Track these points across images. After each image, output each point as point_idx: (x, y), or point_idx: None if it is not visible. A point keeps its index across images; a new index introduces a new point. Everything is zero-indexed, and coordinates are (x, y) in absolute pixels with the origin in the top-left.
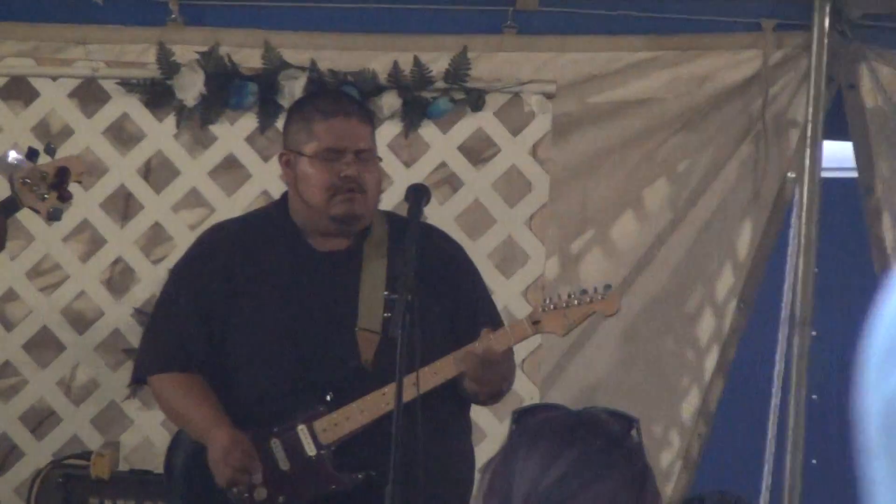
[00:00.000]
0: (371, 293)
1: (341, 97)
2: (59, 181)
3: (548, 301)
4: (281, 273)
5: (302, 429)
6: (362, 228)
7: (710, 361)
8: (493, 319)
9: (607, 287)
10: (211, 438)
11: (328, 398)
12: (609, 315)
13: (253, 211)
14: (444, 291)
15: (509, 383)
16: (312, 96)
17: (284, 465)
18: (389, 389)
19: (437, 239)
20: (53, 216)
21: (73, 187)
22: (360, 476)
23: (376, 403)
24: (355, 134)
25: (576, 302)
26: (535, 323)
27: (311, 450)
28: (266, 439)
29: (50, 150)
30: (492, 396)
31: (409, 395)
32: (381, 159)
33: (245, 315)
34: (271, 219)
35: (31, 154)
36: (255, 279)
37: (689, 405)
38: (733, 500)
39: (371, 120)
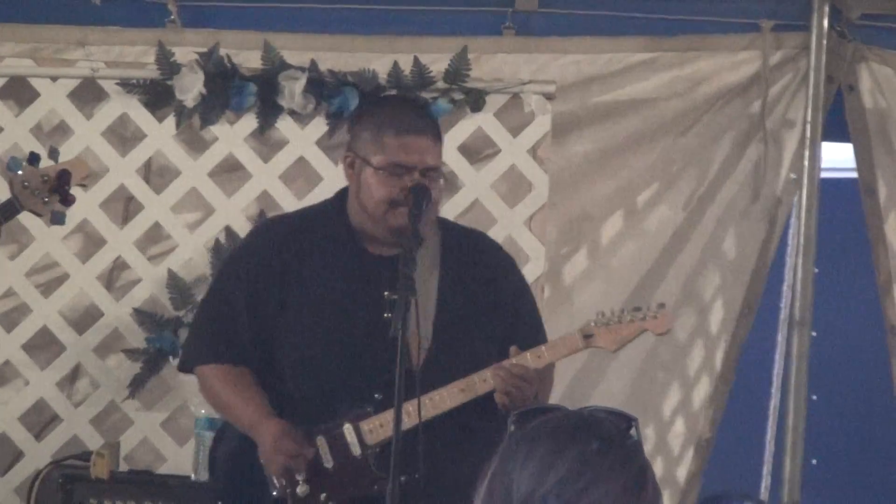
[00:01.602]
0: (423, 300)
1: (416, 111)
2: (61, 184)
3: (600, 316)
4: (334, 274)
5: (348, 428)
6: None
7: (695, 359)
8: (533, 334)
9: (661, 306)
10: (260, 429)
11: (376, 397)
12: (660, 334)
13: (309, 207)
14: (489, 302)
15: (545, 396)
16: (388, 104)
17: (328, 462)
18: (437, 395)
19: (486, 249)
20: (56, 220)
21: (72, 188)
22: (403, 479)
23: (422, 408)
24: (425, 151)
25: (628, 318)
26: (587, 337)
27: (356, 449)
28: (311, 436)
29: (54, 154)
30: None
31: (451, 404)
32: (446, 178)
33: (296, 314)
34: (328, 217)
35: (33, 158)
36: (308, 278)
37: (672, 402)
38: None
39: (440, 136)
